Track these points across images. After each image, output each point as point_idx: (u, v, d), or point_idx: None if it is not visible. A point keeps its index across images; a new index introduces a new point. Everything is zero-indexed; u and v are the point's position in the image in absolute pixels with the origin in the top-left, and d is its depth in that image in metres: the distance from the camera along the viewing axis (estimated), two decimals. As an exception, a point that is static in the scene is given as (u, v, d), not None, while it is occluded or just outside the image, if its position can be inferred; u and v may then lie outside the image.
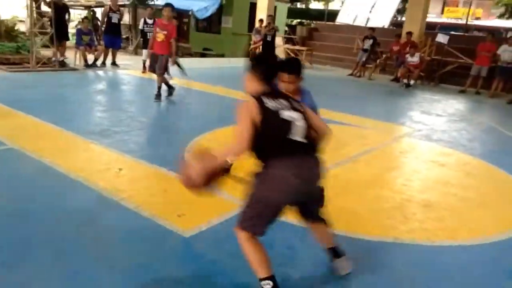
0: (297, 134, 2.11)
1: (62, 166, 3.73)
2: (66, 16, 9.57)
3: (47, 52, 9.64)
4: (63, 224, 2.80)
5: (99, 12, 17.31)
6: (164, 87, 6.93)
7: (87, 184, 3.44)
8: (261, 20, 15.21)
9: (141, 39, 10.61)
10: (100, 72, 9.60)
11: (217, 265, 2.48)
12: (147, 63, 9.14)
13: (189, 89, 8.52)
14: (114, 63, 10.18)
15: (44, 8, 10.90)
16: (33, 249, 2.46)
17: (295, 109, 2.18)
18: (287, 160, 2.07)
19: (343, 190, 3.78)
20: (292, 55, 15.69)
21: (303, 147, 2.12)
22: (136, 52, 14.65)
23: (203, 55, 18.29)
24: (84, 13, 22.82)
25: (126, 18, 16.84)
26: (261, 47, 13.52)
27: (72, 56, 9.92)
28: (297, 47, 16.06)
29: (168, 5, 6.83)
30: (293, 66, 2.83)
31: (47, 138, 4.55)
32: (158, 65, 6.70)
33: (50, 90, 7.22)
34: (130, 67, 10.35)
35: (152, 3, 17.37)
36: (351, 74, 13.21)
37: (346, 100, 9.15)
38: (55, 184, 3.44)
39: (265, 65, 2.32)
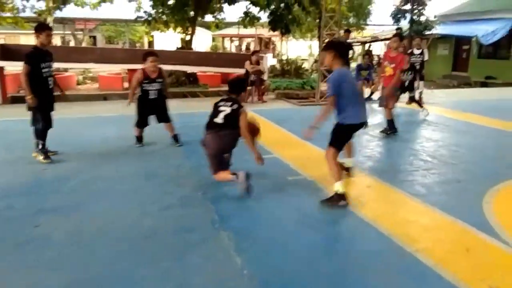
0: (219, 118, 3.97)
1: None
2: (350, 54, 10.20)
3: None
4: (348, 266, 2.73)
5: (374, 47, 17.90)
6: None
7: (375, 225, 3.30)
8: None
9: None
10: (374, 106, 9.69)
11: None
12: (417, 96, 8.68)
13: (469, 123, 7.49)
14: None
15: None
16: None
17: (231, 106, 4.00)
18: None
19: None
20: None
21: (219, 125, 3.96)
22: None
23: (484, 85, 16.13)
24: (360, 48, 24.23)
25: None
26: None
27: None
28: None
29: (396, 35, 6.47)
30: (325, 45, 4.02)
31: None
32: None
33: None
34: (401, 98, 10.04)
35: (429, 33, 16.63)
36: None
37: None
38: (346, 222, 3.45)
39: (231, 85, 4.24)
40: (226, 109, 3.98)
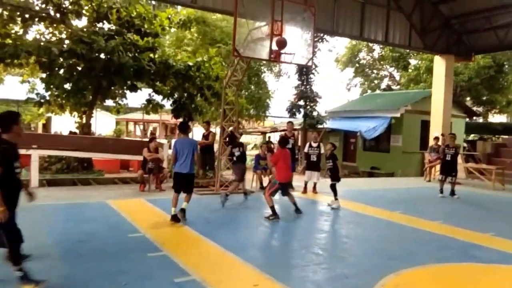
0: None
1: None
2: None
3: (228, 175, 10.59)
4: None
5: (272, 137, 18.94)
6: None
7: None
8: (436, 138, 14.22)
9: (305, 161, 10.87)
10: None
11: None
12: (310, 184, 9.17)
13: (358, 213, 7.94)
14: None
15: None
16: None
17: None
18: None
19: None
20: (477, 174, 13.87)
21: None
22: (304, 173, 15.07)
23: (370, 174, 17.76)
24: (260, 138, 25.48)
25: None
26: (438, 166, 12.34)
27: (249, 179, 10.63)
28: (482, 166, 14.18)
29: (266, 143, 7.97)
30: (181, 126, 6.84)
31: (227, 270, 4.49)
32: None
33: (230, 213, 7.57)
34: (296, 188, 10.48)
35: (321, 127, 18.23)
36: None
37: None
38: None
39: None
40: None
